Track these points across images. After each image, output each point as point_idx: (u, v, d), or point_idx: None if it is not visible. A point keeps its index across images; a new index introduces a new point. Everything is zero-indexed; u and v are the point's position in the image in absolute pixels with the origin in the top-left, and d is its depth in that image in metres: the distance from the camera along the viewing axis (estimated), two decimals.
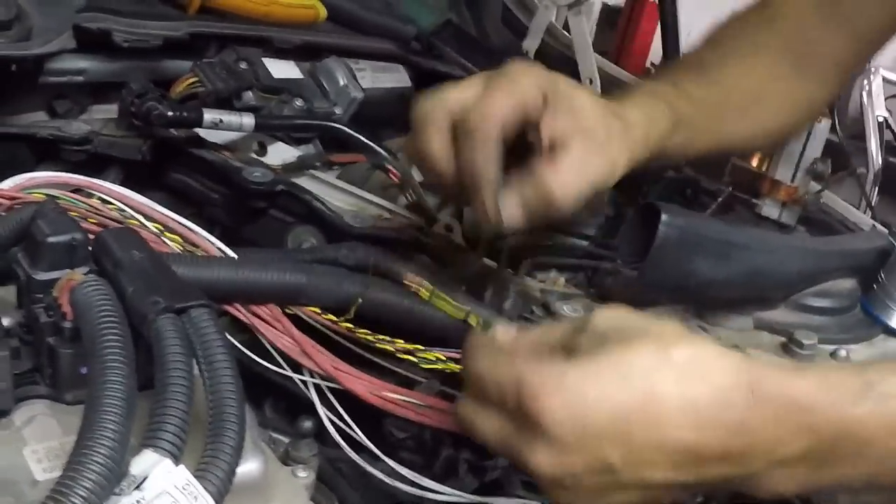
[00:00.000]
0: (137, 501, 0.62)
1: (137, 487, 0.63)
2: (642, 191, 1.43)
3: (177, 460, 0.65)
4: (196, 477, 0.64)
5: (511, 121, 0.98)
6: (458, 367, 1.01)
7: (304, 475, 0.82)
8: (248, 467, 0.73)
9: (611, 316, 0.81)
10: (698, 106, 1.19)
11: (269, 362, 1.02)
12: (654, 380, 0.76)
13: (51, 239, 0.81)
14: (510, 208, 0.98)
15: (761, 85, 1.26)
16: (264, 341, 1.01)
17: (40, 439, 0.74)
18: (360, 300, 1.02)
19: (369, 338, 1.02)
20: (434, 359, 1.02)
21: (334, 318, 1.03)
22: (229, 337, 0.97)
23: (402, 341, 1.02)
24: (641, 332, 0.79)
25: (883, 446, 0.77)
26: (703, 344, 0.79)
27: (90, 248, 0.83)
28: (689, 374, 0.76)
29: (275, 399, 1.14)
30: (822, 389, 0.77)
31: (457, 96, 1.00)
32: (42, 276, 0.80)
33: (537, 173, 0.99)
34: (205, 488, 0.64)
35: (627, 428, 0.76)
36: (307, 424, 0.95)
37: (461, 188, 0.99)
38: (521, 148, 1.02)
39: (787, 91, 1.28)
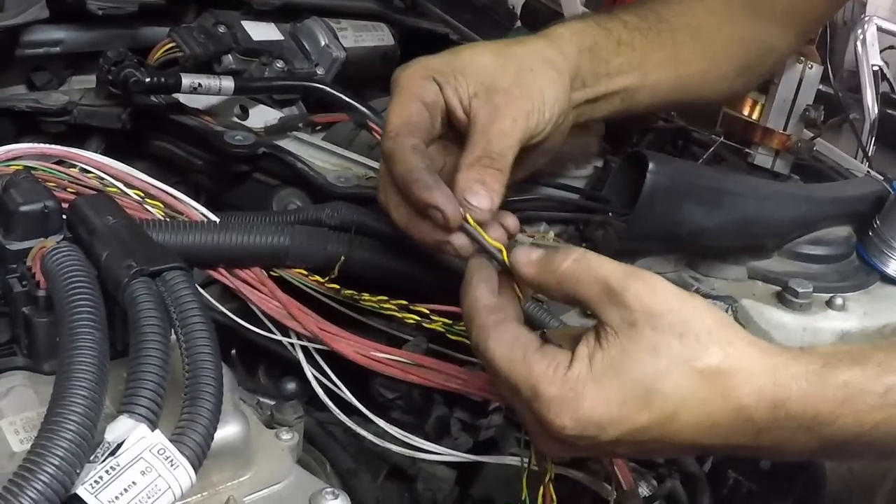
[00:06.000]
0: (112, 468, 0.61)
1: (112, 454, 0.61)
2: (632, 142, 1.41)
3: (153, 425, 0.64)
4: (172, 442, 0.63)
5: (422, 120, 0.95)
6: (444, 320, 1.00)
7: (288, 437, 0.80)
8: (228, 431, 0.72)
9: (646, 295, 0.77)
10: (637, 31, 1.16)
11: (257, 328, 1.01)
12: (676, 400, 0.75)
13: (23, 208, 0.80)
14: (465, 192, 0.91)
15: (712, 22, 1.23)
16: (251, 304, 1.00)
17: (18, 410, 0.73)
18: (343, 259, 1.00)
19: (354, 297, 1.01)
20: (419, 313, 1.00)
21: (319, 279, 1.02)
22: (211, 300, 0.97)
23: (385, 298, 1.01)
24: (672, 330, 0.76)
25: (892, 438, 0.77)
26: (735, 349, 0.76)
27: (64, 217, 0.82)
28: (712, 390, 0.75)
29: (268, 365, 1.13)
30: (843, 403, 0.76)
31: None
32: (15, 245, 0.79)
33: (467, 143, 0.96)
34: (181, 453, 0.63)
35: (641, 439, 0.76)
36: (290, 386, 0.94)
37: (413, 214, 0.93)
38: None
39: (742, 33, 1.26)
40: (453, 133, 1.00)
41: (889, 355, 0.78)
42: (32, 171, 0.94)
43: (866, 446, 0.78)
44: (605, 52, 1.12)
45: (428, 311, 1.00)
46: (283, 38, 1.43)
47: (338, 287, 1.01)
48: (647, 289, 0.77)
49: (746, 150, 1.54)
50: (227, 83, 1.25)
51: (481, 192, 0.90)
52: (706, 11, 1.23)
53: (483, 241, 0.89)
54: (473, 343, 0.81)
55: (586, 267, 0.79)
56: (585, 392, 0.75)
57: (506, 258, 0.85)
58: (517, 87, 0.99)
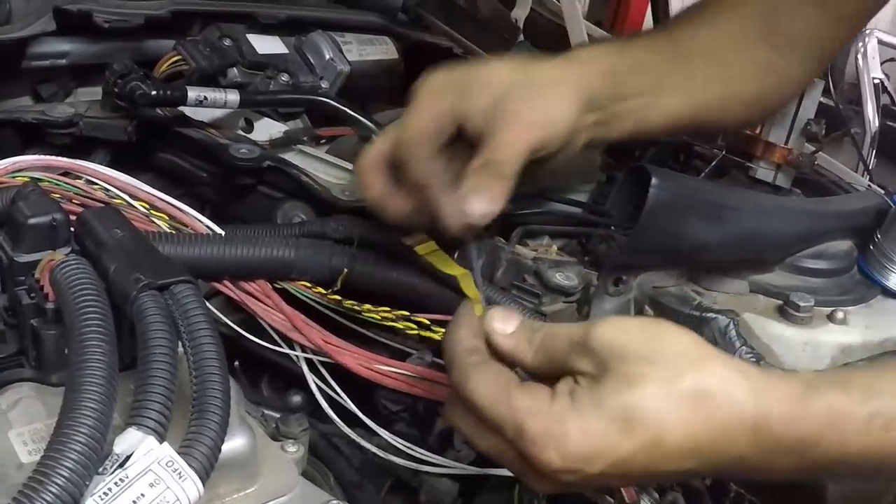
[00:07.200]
0: (121, 480, 0.61)
1: (121, 466, 0.62)
2: (635, 156, 1.41)
3: (161, 438, 0.64)
4: (180, 454, 0.64)
5: (437, 130, 0.98)
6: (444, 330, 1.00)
7: (294, 450, 0.81)
8: (235, 443, 0.72)
9: (612, 336, 0.77)
10: (654, 54, 1.16)
11: (262, 340, 1.02)
12: (658, 424, 0.74)
13: (31, 220, 0.80)
14: (466, 197, 0.93)
15: (728, 46, 1.21)
16: (256, 317, 1.01)
17: (26, 422, 0.74)
18: (346, 272, 1.01)
19: (356, 308, 1.01)
20: (420, 323, 1.01)
21: (323, 292, 1.03)
22: (215, 312, 0.97)
23: (387, 309, 1.02)
24: (642, 359, 0.76)
25: (877, 462, 0.77)
26: (711, 371, 0.76)
27: (72, 229, 0.83)
28: (693, 411, 0.75)
29: (271, 377, 1.14)
30: (827, 426, 0.75)
31: (384, 138, 1.01)
32: (24, 258, 0.80)
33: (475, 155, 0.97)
34: (189, 465, 0.63)
35: (628, 469, 0.76)
36: (296, 399, 0.94)
37: (421, 211, 0.98)
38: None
39: (757, 59, 1.23)
40: (465, 143, 1.00)
41: (872, 380, 0.77)
42: (39, 183, 0.95)
43: (854, 469, 0.78)
44: (621, 76, 1.11)
45: (428, 322, 1.01)
46: (287, 51, 1.44)
47: (339, 298, 1.02)
48: (608, 328, 0.77)
49: (748, 164, 1.54)
50: (233, 96, 1.26)
51: (481, 197, 0.93)
52: (722, 36, 1.22)
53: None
54: (454, 384, 0.80)
55: (551, 332, 0.80)
56: (570, 425, 0.74)
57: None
58: (529, 101, 1.00)
